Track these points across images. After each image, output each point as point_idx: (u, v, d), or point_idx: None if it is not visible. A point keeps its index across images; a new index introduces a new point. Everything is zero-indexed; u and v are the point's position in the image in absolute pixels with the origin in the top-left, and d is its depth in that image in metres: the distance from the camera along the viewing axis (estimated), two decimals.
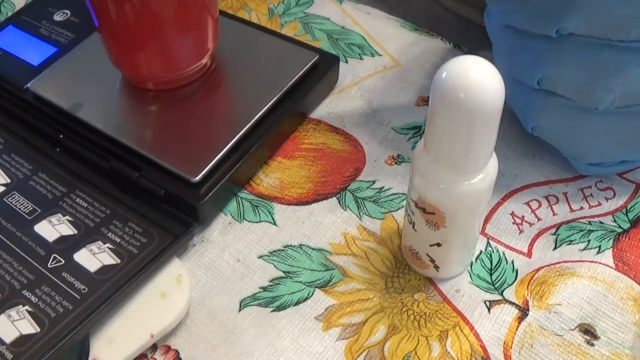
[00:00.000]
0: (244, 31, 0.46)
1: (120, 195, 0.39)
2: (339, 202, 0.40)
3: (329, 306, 0.36)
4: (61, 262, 0.36)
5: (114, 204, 0.39)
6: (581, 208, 0.39)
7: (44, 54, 0.45)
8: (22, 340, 0.33)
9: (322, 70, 0.44)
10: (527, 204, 0.39)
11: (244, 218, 0.39)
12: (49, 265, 0.36)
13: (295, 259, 0.37)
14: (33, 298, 0.34)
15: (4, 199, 0.39)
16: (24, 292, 0.34)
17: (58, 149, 0.42)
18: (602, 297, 0.35)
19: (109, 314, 0.34)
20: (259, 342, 0.34)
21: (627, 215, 0.39)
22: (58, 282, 0.35)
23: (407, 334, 0.34)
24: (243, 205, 0.40)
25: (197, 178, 0.37)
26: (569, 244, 0.37)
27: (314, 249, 0.38)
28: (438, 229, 0.32)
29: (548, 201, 0.39)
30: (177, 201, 0.38)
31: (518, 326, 0.34)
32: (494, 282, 0.36)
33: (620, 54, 0.33)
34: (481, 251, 0.37)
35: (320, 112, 0.45)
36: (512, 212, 0.39)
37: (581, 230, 0.38)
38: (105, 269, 0.35)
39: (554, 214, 0.39)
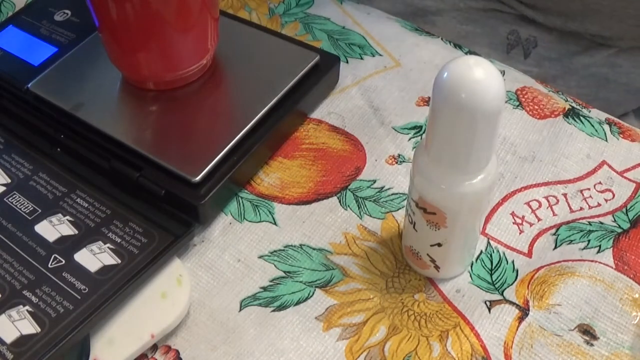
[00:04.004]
0: (244, 31, 0.46)
1: (121, 195, 0.39)
2: (340, 201, 0.40)
3: (329, 306, 0.36)
4: (62, 262, 0.36)
5: (114, 204, 0.39)
6: (581, 209, 0.39)
7: (44, 54, 0.45)
8: (23, 340, 0.33)
9: (323, 70, 0.44)
10: (528, 204, 0.39)
11: (244, 218, 0.39)
12: (49, 266, 0.36)
13: (295, 259, 0.37)
14: (33, 298, 0.34)
15: (5, 199, 0.39)
16: (24, 292, 0.34)
17: (58, 149, 0.42)
18: (601, 297, 0.35)
19: (109, 314, 0.34)
20: (259, 342, 0.34)
21: (627, 215, 0.39)
22: (58, 282, 0.35)
23: (408, 334, 0.34)
24: (243, 205, 0.40)
25: (198, 178, 0.37)
26: (569, 244, 0.38)
27: (314, 249, 0.38)
28: (439, 229, 0.32)
29: (548, 202, 0.39)
30: (178, 201, 0.38)
31: (518, 326, 0.34)
32: (495, 282, 0.36)
33: None
34: (481, 251, 0.37)
35: (321, 112, 0.45)
36: (513, 212, 0.39)
37: (581, 231, 0.38)
38: (105, 269, 0.35)
39: (554, 215, 0.39)
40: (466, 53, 0.48)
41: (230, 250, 0.38)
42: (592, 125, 0.43)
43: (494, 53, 0.52)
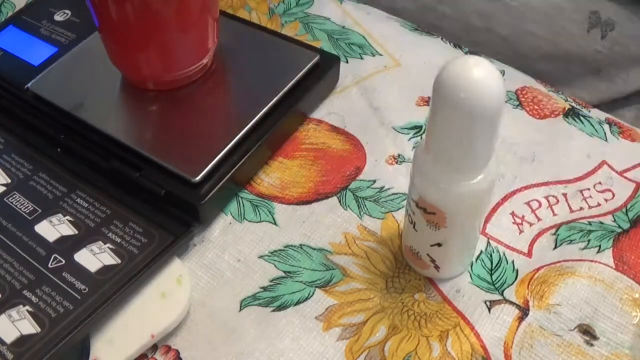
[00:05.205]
0: (244, 31, 0.46)
1: (121, 195, 0.39)
2: (340, 201, 0.40)
3: (329, 306, 0.36)
4: (62, 262, 0.36)
5: (114, 204, 0.39)
6: (581, 209, 0.39)
7: (44, 54, 0.45)
8: (23, 340, 0.33)
9: (323, 70, 0.44)
10: (527, 204, 0.39)
11: (244, 218, 0.39)
12: (49, 266, 0.36)
13: (295, 259, 0.38)
14: (33, 298, 0.34)
15: (5, 199, 0.39)
16: (24, 292, 0.34)
17: (58, 149, 0.42)
18: (601, 297, 0.35)
19: (109, 314, 0.34)
20: (259, 342, 0.34)
21: (627, 215, 0.39)
22: (58, 282, 0.35)
23: (408, 334, 0.34)
24: (244, 205, 0.40)
25: (198, 178, 0.38)
26: (569, 244, 0.38)
27: (314, 249, 0.38)
28: (439, 229, 0.32)
29: (548, 201, 0.39)
30: (178, 201, 0.38)
31: (518, 326, 0.34)
32: (495, 282, 0.36)
33: None
34: (481, 251, 0.37)
35: (321, 112, 0.45)
36: (512, 212, 0.39)
37: (581, 230, 0.38)
38: (105, 269, 0.35)
39: (554, 214, 0.39)
40: (466, 53, 0.48)
41: (230, 250, 0.38)
42: (592, 125, 0.43)
43: (575, 28, 0.52)
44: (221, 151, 0.39)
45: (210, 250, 0.38)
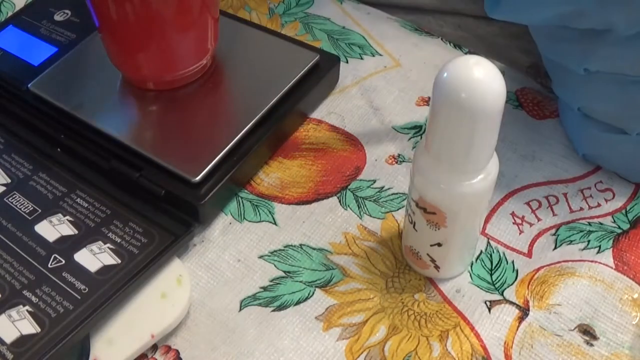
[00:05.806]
0: (244, 31, 0.46)
1: (121, 195, 0.39)
2: (340, 201, 0.40)
3: (329, 306, 0.36)
4: (62, 262, 0.36)
5: (114, 204, 0.39)
6: (581, 209, 0.39)
7: (44, 54, 0.45)
8: (23, 340, 0.33)
9: (323, 70, 0.44)
10: (528, 204, 0.39)
11: (244, 218, 0.39)
12: (49, 266, 0.36)
13: (295, 259, 0.37)
14: (33, 298, 0.34)
15: (5, 199, 0.39)
16: (24, 292, 0.34)
17: (59, 149, 0.42)
18: (601, 298, 0.35)
19: (109, 314, 0.34)
20: (259, 342, 0.34)
21: (626, 216, 0.39)
22: (58, 282, 0.35)
23: (408, 334, 0.34)
24: (243, 205, 0.40)
25: (198, 178, 0.38)
26: (569, 244, 0.38)
27: (314, 249, 0.38)
28: (439, 229, 0.32)
29: (548, 201, 0.39)
30: (178, 201, 0.38)
31: (518, 326, 0.34)
32: (495, 282, 0.36)
33: None
34: (481, 251, 0.37)
35: (321, 112, 0.45)
36: (513, 212, 0.39)
37: (581, 231, 0.38)
38: (105, 269, 0.35)
39: (554, 215, 0.39)
40: (466, 53, 0.48)
41: (230, 250, 0.38)
42: None
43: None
44: (221, 151, 0.39)
45: (210, 250, 0.38)
